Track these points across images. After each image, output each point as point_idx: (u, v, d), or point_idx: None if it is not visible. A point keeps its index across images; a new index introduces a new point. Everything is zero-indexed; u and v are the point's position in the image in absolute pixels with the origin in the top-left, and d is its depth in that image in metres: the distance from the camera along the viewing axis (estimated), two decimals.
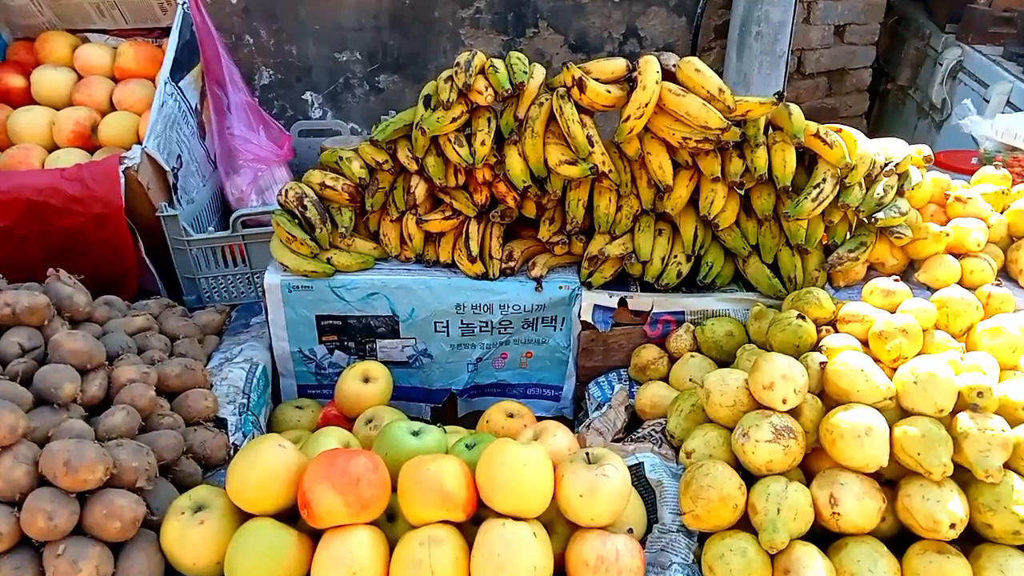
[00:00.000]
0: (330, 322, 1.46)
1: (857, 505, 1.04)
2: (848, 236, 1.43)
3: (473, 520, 1.07)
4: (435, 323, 1.46)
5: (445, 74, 1.42)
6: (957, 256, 1.43)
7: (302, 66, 3.14)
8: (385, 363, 1.47)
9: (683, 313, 1.44)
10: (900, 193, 1.43)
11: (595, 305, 1.44)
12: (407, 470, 1.06)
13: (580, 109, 1.40)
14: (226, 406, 1.34)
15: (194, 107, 1.95)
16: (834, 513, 1.04)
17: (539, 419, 1.37)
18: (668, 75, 1.40)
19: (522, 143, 1.40)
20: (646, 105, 1.35)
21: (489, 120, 1.41)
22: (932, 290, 1.39)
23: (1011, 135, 1.74)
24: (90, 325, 1.38)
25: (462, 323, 1.46)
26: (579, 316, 1.44)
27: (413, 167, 1.43)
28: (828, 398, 1.15)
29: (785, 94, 1.55)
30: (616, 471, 1.07)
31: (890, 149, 1.45)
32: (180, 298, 1.77)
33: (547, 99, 1.41)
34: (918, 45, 3.68)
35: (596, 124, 1.42)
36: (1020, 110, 2.30)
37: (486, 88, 1.38)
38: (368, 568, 1.01)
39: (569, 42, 3.35)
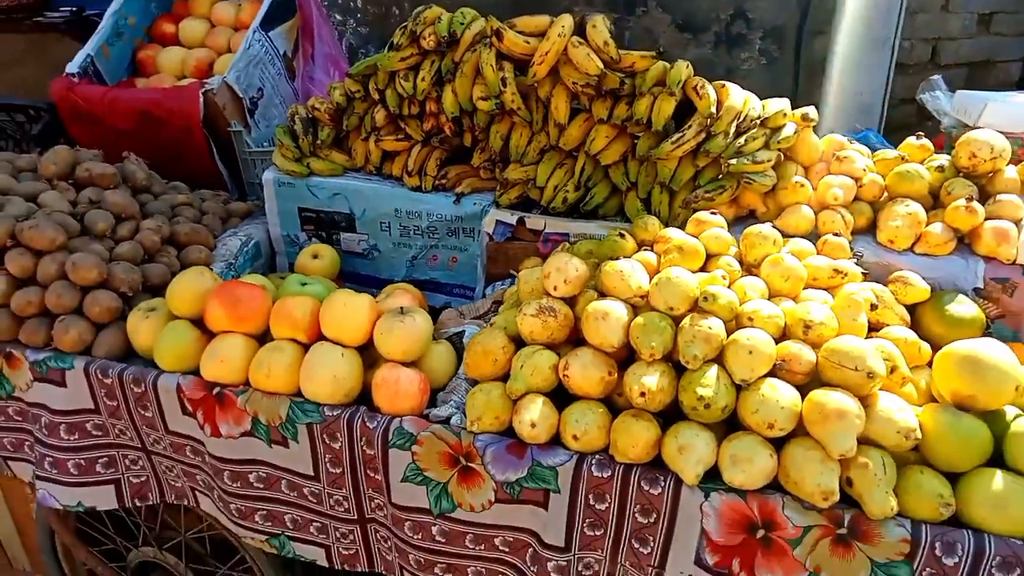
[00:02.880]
0: (307, 214, 1.90)
1: (582, 372, 1.28)
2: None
3: None
4: (380, 222, 1.85)
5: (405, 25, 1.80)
6: (823, 208, 1.56)
7: None
8: (347, 252, 1.89)
9: (568, 235, 1.70)
10: (767, 147, 1.57)
11: (497, 220, 1.74)
12: (277, 303, 1.48)
13: (503, 56, 1.71)
14: (218, 262, 1.83)
15: (282, 52, 2.48)
16: (564, 375, 1.30)
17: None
18: (582, 31, 1.67)
19: (455, 82, 1.74)
20: (547, 53, 1.63)
21: (433, 62, 1.76)
22: (787, 235, 1.54)
23: (964, 112, 1.76)
24: (145, 194, 1.94)
25: (400, 225, 1.84)
26: (485, 228, 1.76)
27: (376, 96, 1.82)
28: (602, 293, 1.38)
29: (663, 49, 1.70)
30: (414, 322, 1.41)
31: (766, 106, 1.60)
32: (243, 196, 2.31)
33: (479, 47, 1.73)
34: None
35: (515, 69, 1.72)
36: None
37: (430, 35, 1.73)
38: (234, 359, 1.44)
39: (676, 22, 3.51)
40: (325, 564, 1.55)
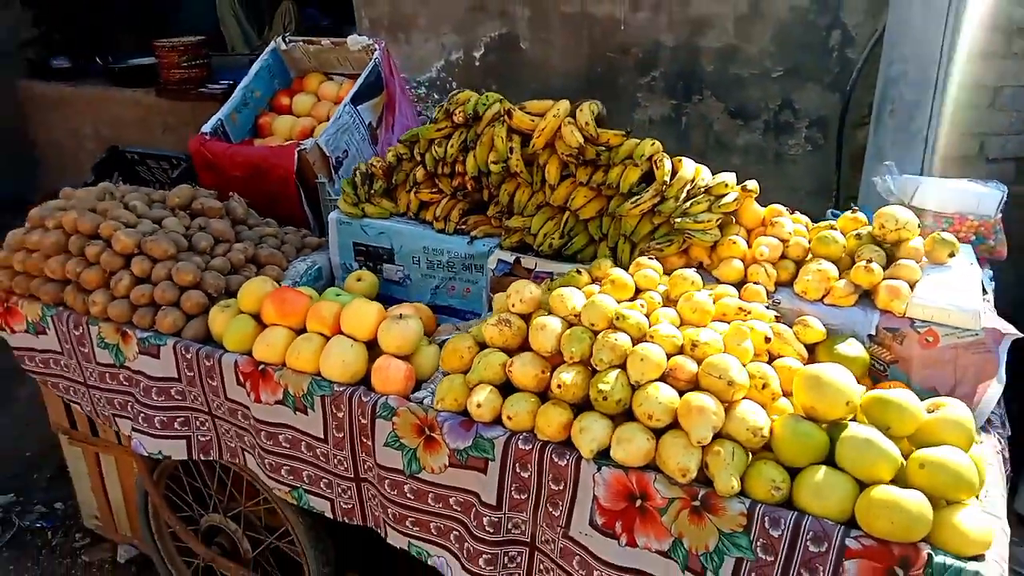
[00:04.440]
0: (359, 247, 2.39)
1: (521, 369, 1.66)
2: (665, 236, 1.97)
3: None
4: (412, 257, 2.31)
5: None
6: (753, 262, 1.89)
7: None
8: (387, 280, 2.36)
9: (552, 273, 2.09)
10: (710, 210, 1.92)
11: (499, 260, 2.16)
12: (313, 305, 1.95)
13: (513, 130, 2.15)
14: (287, 279, 2.33)
15: (368, 123, 3.04)
16: (508, 371, 1.68)
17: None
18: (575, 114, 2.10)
19: (476, 149, 2.20)
20: (543, 129, 2.06)
21: (461, 134, 2.23)
22: (721, 281, 1.87)
23: (904, 193, 2.03)
24: (241, 225, 2.49)
25: (427, 260, 2.29)
26: (489, 265, 2.18)
27: (418, 158, 2.31)
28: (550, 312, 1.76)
29: (631, 130, 2.07)
30: (407, 325, 1.84)
31: (714, 178, 1.96)
32: (323, 234, 2.84)
33: (495, 123, 2.19)
34: None
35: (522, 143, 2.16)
36: None
37: (460, 113, 2.21)
38: (277, 344, 1.92)
39: (729, 109, 3.89)
40: (331, 516, 1.97)
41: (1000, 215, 1.99)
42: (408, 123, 3.18)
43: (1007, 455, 1.68)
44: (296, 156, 2.73)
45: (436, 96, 4.40)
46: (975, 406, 1.66)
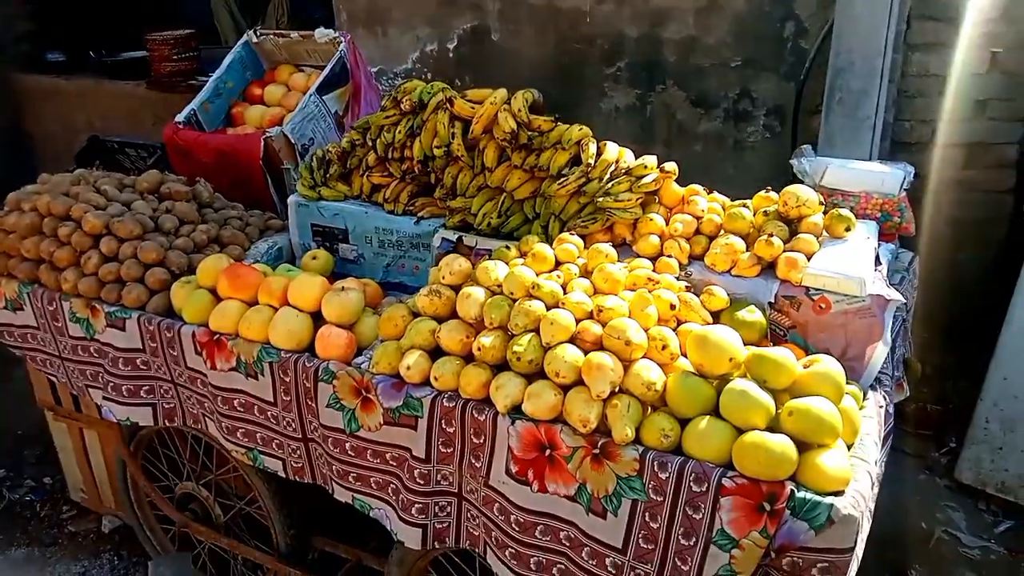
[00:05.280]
0: (316, 228, 2.54)
1: (447, 334, 1.82)
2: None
3: None
4: (365, 237, 2.46)
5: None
6: (670, 238, 2.03)
7: None
8: (343, 259, 2.52)
9: (491, 250, 2.24)
10: (631, 190, 2.07)
11: (443, 238, 2.31)
12: (264, 280, 2.10)
13: (455, 117, 2.30)
14: (248, 259, 2.49)
15: (334, 112, 3.18)
16: (436, 336, 1.84)
17: None
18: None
19: (421, 135, 2.35)
20: (481, 116, 2.21)
21: (408, 120, 2.38)
22: (640, 255, 2.02)
23: (816, 174, 2.17)
24: (207, 208, 2.65)
25: (379, 239, 2.44)
26: (434, 244, 2.34)
27: (370, 144, 2.46)
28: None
29: (558, 117, 2.19)
30: (348, 296, 1.99)
31: (636, 160, 2.10)
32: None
33: (439, 111, 2.34)
34: None
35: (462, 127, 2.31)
36: None
37: (407, 101, 2.36)
38: (230, 316, 2.07)
39: (690, 98, 4.02)
40: (283, 475, 2.13)
41: (904, 193, 2.13)
42: (374, 112, 3.32)
43: (891, 411, 1.82)
44: (262, 143, 2.89)
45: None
46: (864, 367, 1.81)
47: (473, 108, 2.26)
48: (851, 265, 1.82)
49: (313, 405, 1.95)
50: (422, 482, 1.84)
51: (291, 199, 2.57)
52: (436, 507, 1.86)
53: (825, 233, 1.97)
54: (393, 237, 2.42)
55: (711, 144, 4.03)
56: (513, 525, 1.73)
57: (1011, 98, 3.55)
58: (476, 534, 1.85)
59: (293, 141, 2.96)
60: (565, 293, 1.81)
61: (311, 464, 2.07)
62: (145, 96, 5.63)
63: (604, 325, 1.71)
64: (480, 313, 1.81)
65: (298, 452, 2.07)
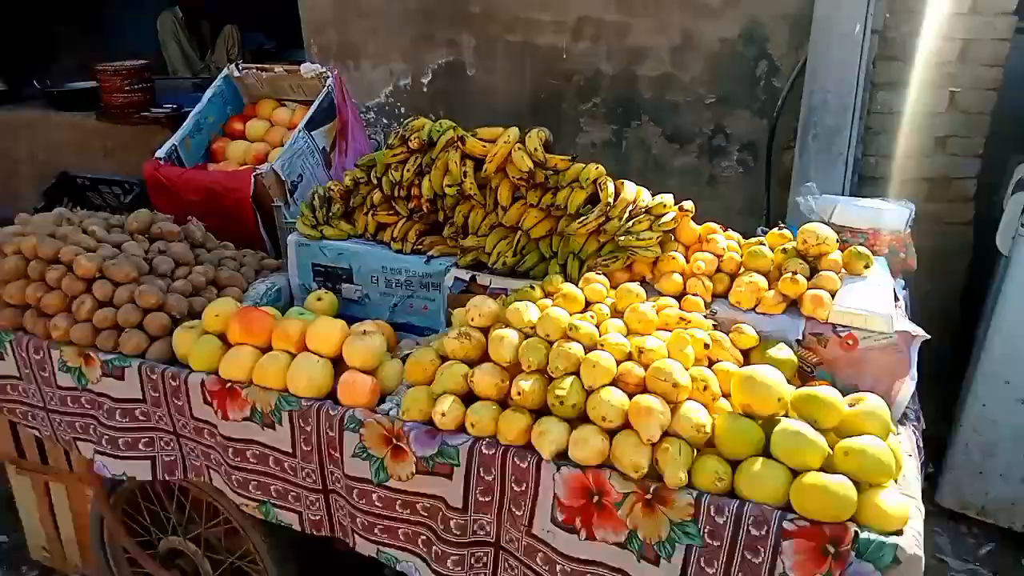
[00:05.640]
0: (318, 268, 2.47)
1: (482, 379, 1.78)
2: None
3: None
4: (371, 276, 2.41)
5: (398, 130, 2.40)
6: (691, 276, 2.04)
7: None
8: (346, 299, 2.45)
9: (507, 289, 2.21)
10: (651, 229, 2.08)
11: (455, 278, 2.27)
12: (278, 324, 2.03)
13: (466, 156, 2.28)
14: (247, 301, 2.40)
15: (322, 148, 3.13)
16: (471, 381, 1.79)
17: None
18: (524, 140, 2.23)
19: (431, 173, 2.32)
20: (495, 155, 2.19)
21: (416, 158, 2.34)
22: (662, 294, 2.03)
23: (824, 212, 2.22)
24: (200, 249, 2.55)
25: (385, 279, 2.39)
26: (446, 283, 2.29)
27: (375, 182, 2.42)
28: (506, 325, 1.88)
29: (576, 155, 2.21)
30: (371, 340, 1.94)
31: (654, 199, 2.12)
32: (280, 257, 2.91)
33: (449, 149, 2.31)
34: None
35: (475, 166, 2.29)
36: None
37: (415, 139, 2.33)
38: (243, 362, 1.98)
39: (666, 134, 4.10)
40: (298, 528, 2.03)
41: (909, 230, 2.20)
42: (360, 148, 3.27)
43: (921, 446, 1.86)
44: (252, 180, 2.80)
45: (385, 121, 4.50)
46: (891, 402, 1.84)
47: (485, 147, 2.25)
48: (876, 302, 1.86)
49: (337, 455, 1.88)
50: (458, 532, 1.78)
51: (291, 238, 2.49)
52: (472, 558, 1.80)
53: (843, 270, 2.01)
54: (402, 277, 2.36)
55: (686, 178, 4.11)
56: (559, 575, 1.69)
57: (969, 135, 3.73)
58: None
59: (283, 178, 2.89)
60: (601, 335, 1.79)
61: (330, 517, 1.98)
62: (95, 128, 5.44)
63: (646, 367, 1.70)
64: (515, 356, 1.78)
65: (317, 504, 1.98)
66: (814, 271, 2.00)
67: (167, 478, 2.19)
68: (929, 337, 1.84)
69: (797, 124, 3.75)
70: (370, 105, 4.55)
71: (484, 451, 1.72)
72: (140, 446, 2.16)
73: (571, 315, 1.85)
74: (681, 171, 4.11)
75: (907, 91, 3.68)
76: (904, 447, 1.72)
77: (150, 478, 2.18)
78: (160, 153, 3.01)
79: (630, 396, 1.67)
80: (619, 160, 4.18)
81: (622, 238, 2.06)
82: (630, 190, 2.13)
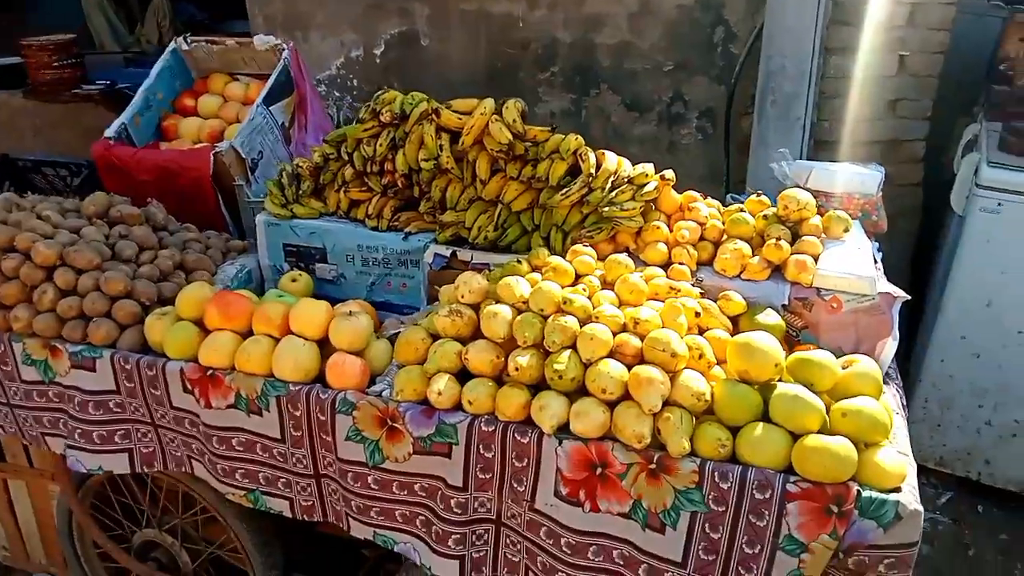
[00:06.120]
0: (290, 248, 2.40)
1: (476, 356, 1.75)
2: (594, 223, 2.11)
3: None
4: (346, 255, 2.35)
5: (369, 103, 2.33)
6: (676, 244, 2.05)
7: None
8: (320, 279, 2.38)
9: (489, 264, 2.18)
10: (634, 199, 2.07)
11: (435, 254, 2.23)
12: (258, 308, 1.96)
13: (441, 128, 2.23)
14: (217, 284, 2.31)
15: (281, 123, 3.02)
16: (465, 358, 1.77)
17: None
18: (500, 111, 2.19)
19: (405, 147, 2.26)
20: (472, 127, 2.15)
21: (389, 132, 2.28)
22: (647, 264, 2.03)
23: (799, 177, 2.25)
24: (163, 232, 2.44)
25: (361, 257, 2.33)
26: (426, 259, 2.26)
27: (345, 157, 2.35)
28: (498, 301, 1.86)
29: (556, 125, 2.20)
30: (358, 321, 1.89)
31: (635, 168, 2.11)
32: (243, 237, 2.81)
33: (423, 122, 2.26)
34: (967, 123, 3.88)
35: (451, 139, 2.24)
36: None
37: (387, 112, 2.26)
38: (224, 348, 1.92)
39: (625, 102, 4.09)
40: (289, 515, 1.99)
41: (880, 193, 2.24)
42: (320, 122, 3.18)
43: (905, 403, 1.91)
44: (212, 158, 2.70)
45: (337, 94, 4.38)
46: (876, 362, 1.89)
47: (460, 119, 2.20)
48: (859, 265, 1.90)
49: (329, 439, 1.84)
50: (459, 511, 1.77)
51: (259, 218, 2.41)
52: (473, 536, 1.79)
53: (823, 235, 2.04)
54: (379, 255, 2.31)
55: (647, 146, 4.12)
56: (564, 548, 1.69)
57: (918, 98, 3.82)
58: (516, 560, 1.80)
59: (243, 155, 2.79)
60: (594, 307, 1.79)
61: (323, 501, 1.95)
62: (21, 106, 5.15)
63: (642, 338, 1.70)
64: (509, 332, 1.76)
65: (308, 490, 1.94)
66: (795, 236, 2.03)
67: (145, 470, 2.12)
68: (909, 298, 1.89)
69: (754, 90, 3.78)
70: (321, 78, 4.42)
71: (483, 428, 1.71)
72: (116, 439, 2.07)
73: (563, 288, 1.83)
74: (641, 139, 4.12)
75: (858, 55, 3.74)
76: (891, 405, 1.77)
77: (128, 471, 2.11)
78: (109, 132, 2.86)
79: (628, 367, 1.67)
80: (579, 129, 4.12)
81: (606, 209, 2.05)
82: (611, 160, 2.11)
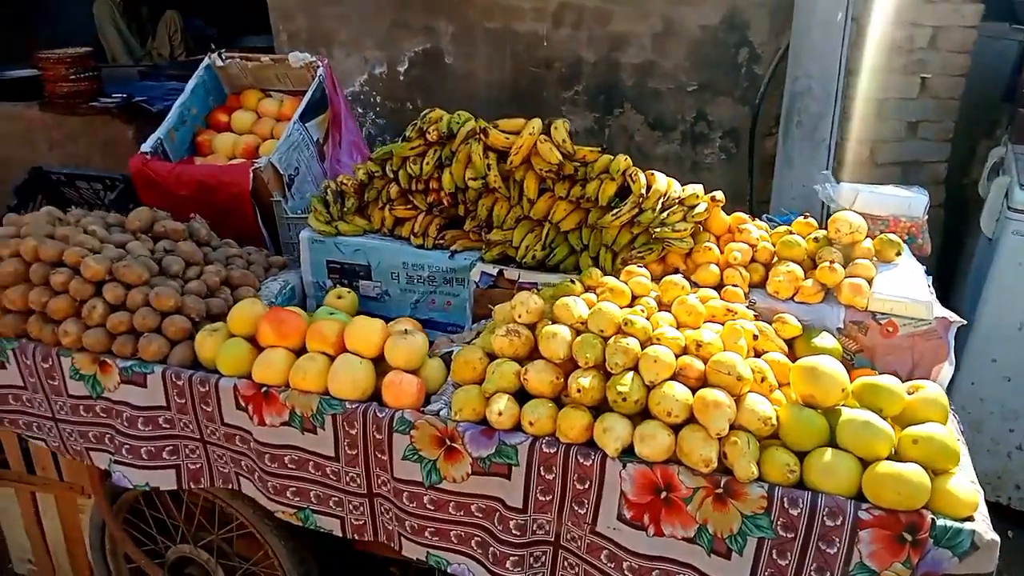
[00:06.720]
0: (333, 265, 2.40)
1: (536, 376, 1.75)
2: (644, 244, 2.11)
3: None
4: (390, 273, 2.35)
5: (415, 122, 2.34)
6: (727, 266, 2.06)
7: None
8: (364, 296, 2.38)
9: (536, 284, 2.19)
10: (685, 219, 2.08)
11: (482, 272, 2.24)
12: (312, 325, 1.96)
13: (488, 148, 2.23)
14: (262, 300, 2.31)
15: (316, 140, 3.03)
16: (524, 379, 1.76)
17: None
18: (548, 131, 2.20)
19: (451, 166, 2.26)
20: (521, 147, 2.16)
21: (435, 151, 2.29)
22: (699, 286, 2.03)
23: (845, 199, 2.27)
24: (206, 247, 2.44)
25: (406, 275, 2.33)
26: (472, 278, 2.26)
27: (391, 175, 2.35)
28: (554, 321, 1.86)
29: (604, 146, 2.22)
30: (414, 339, 1.89)
31: (685, 190, 2.12)
32: (279, 253, 2.81)
33: (471, 141, 2.26)
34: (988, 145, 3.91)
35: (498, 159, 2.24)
36: None
37: (434, 131, 2.27)
38: (278, 365, 1.91)
39: (648, 121, 4.12)
40: (339, 534, 1.98)
41: (927, 216, 2.25)
42: (354, 139, 3.19)
43: (962, 429, 1.91)
44: (251, 174, 2.70)
45: (360, 110, 4.39)
46: None
47: (508, 139, 2.21)
48: (914, 289, 1.91)
49: (384, 458, 1.83)
50: (518, 533, 1.76)
51: (303, 234, 2.41)
52: (531, 558, 1.78)
53: (875, 258, 2.05)
54: (424, 272, 2.31)
55: (670, 166, 4.14)
56: (626, 572, 1.68)
57: (939, 120, 3.85)
58: None
59: (281, 171, 2.79)
60: (654, 329, 1.79)
61: (375, 521, 1.93)
62: (38, 118, 5.15)
63: (704, 360, 1.70)
64: (568, 353, 1.76)
65: (360, 509, 1.93)
66: (846, 259, 2.03)
67: (192, 487, 2.10)
68: (965, 323, 1.89)
69: (778, 111, 3.81)
70: (344, 94, 4.42)
71: (545, 449, 1.70)
72: (164, 455, 2.06)
73: (620, 309, 1.83)
74: (664, 158, 4.14)
75: (880, 77, 3.78)
76: (955, 432, 1.77)
77: (174, 487, 2.09)
78: (146, 147, 2.86)
79: (691, 390, 1.67)
80: (602, 148, 4.17)
81: (657, 229, 2.05)
82: (661, 181, 2.12)
